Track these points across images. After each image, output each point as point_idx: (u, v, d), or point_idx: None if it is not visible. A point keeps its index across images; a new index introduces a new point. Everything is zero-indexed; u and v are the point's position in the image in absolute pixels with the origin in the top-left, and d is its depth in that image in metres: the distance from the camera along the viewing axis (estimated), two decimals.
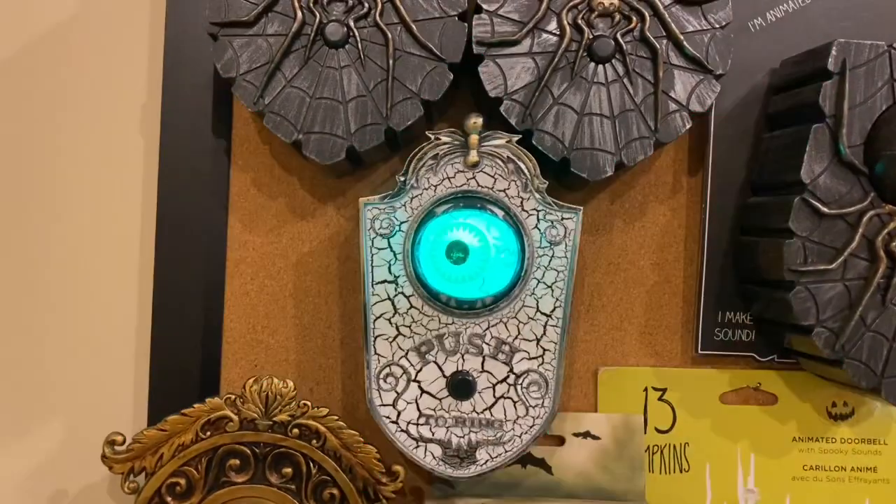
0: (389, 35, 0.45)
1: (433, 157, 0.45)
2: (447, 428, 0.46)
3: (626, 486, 0.51)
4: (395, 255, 0.46)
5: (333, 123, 0.46)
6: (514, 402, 0.46)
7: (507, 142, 0.45)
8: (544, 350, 0.46)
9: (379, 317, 0.46)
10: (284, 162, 0.52)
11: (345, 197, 0.52)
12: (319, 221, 0.52)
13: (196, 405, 0.47)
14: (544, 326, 0.46)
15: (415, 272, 0.45)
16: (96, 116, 0.53)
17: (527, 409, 0.46)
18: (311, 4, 0.45)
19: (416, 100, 0.45)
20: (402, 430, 0.46)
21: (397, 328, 0.46)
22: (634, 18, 0.45)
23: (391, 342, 0.46)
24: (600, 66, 0.45)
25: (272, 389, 0.47)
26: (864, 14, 0.51)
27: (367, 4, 0.45)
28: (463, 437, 0.46)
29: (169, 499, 0.47)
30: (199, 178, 0.51)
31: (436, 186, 0.45)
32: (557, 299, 0.46)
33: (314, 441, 0.47)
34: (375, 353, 0.46)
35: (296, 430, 0.47)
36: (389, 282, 0.46)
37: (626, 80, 0.45)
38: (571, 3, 0.45)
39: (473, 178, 0.45)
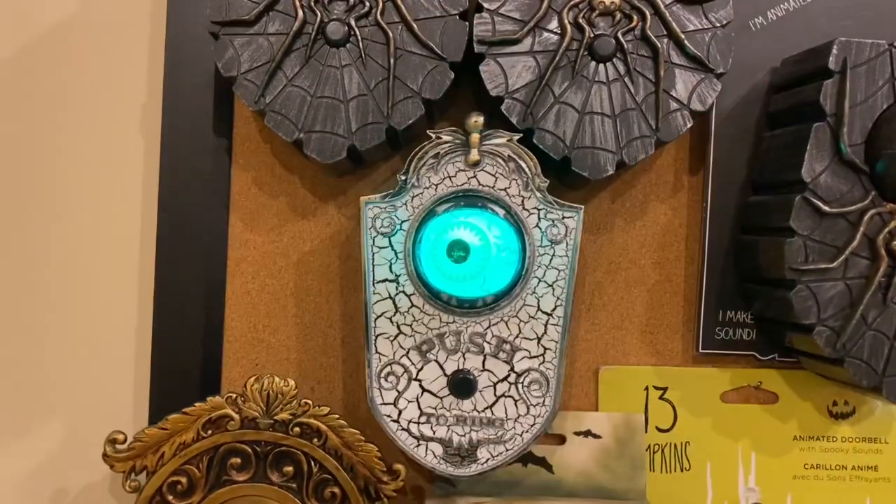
0: (390, 34, 0.45)
1: (434, 156, 0.45)
2: (448, 426, 0.46)
3: (626, 484, 0.51)
4: (396, 253, 0.46)
5: (334, 122, 0.46)
6: (515, 401, 0.46)
7: (508, 140, 0.45)
8: (545, 349, 0.46)
9: (380, 315, 0.46)
10: (285, 161, 0.52)
11: (346, 196, 0.52)
12: (320, 220, 0.52)
13: (197, 404, 0.47)
14: (545, 325, 0.46)
15: (416, 271, 0.45)
16: (97, 116, 0.54)
17: (528, 408, 0.46)
18: (313, 3, 0.45)
19: (418, 99, 0.45)
20: (403, 429, 0.46)
21: (398, 327, 0.46)
22: (635, 17, 0.45)
23: (392, 341, 0.46)
24: (601, 65, 0.45)
25: (273, 388, 0.47)
26: (864, 13, 0.51)
27: (368, 3, 0.45)
28: (464, 435, 0.46)
29: (170, 497, 0.47)
30: (201, 177, 0.51)
31: (437, 185, 0.45)
32: (558, 298, 0.46)
33: (315, 440, 0.47)
34: (376, 352, 0.46)
35: (297, 429, 0.47)
36: (390, 280, 0.46)
37: (627, 79, 0.45)
38: (572, 2, 0.45)
39: (474, 176, 0.45)
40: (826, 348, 0.46)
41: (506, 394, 0.46)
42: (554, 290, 0.46)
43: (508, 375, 0.46)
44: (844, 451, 0.53)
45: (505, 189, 0.45)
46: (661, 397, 0.52)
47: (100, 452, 0.47)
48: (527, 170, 0.45)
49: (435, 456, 0.46)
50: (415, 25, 0.45)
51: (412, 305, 0.46)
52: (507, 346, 0.46)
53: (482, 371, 0.46)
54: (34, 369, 0.53)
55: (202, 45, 0.50)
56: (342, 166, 0.49)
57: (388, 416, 0.46)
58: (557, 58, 0.45)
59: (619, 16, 0.45)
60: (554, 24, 0.45)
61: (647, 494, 0.51)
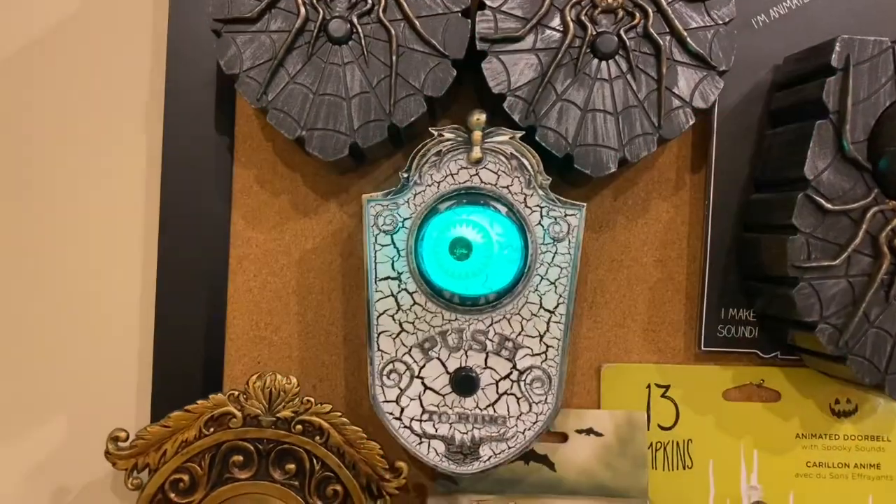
0: (393, 31, 0.45)
1: (436, 154, 0.45)
2: (450, 424, 0.46)
3: (629, 482, 0.51)
4: (398, 251, 0.46)
5: (337, 120, 0.46)
6: (518, 399, 0.46)
7: (510, 138, 0.45)
8: (547, 346, 0.46)
9: (382, 313, 0.46)
10: (287, 158, 0.52)
11: (348, 193, 0.52)
12: (322, 218, 0.52)
13: (199, 401, 0.47)
14: (547, 323, 0.46)
15: (418, 268, 0.45)
16: (99, 114, 0.54)
17: (530, 406, 0.46)
18: (315, 1, 0.45)
19: (420, 96, 0.45)
20: (406, 427, 0.46)
21: (400, 324, 0.46)
22: (638, 15, 0.45)
23: (394, 339, 0.46)
24: (604, 63, 0.45)
25: (275, 386, 0.47)
26: (867, 10, 0.51)
27: (370, 1, 0.45)
28: (466, 433, 0.46)
29: (172, 495, 0.47)
30: (203, 174, 0.51)
31: (439, 183, 0.45)
32: (560, 296, 0.46)
33: (317, 437, 0.47)
34: (379, 350, 0.46)
35: (299, 427, 0.47)
36: (392, 278, 0.46)
37: (629, 77, 0.45)
38: (574, 0, 0.45)
39: (477, 174, 0.45)
40: (828, 346, 0.46)
41: (508, 391, 0.46)
42: (556, 287, 0.46)
43: (511, 373, 0.46)
44: (847, 449, 0.53)
45: (507, 187, 0.45)
46: (663, 395, 0.52)
47: (102, 450, 0.47)
48: (529, 167, 0.45)
49: (437, 453, 0.46)
50: (417, 23, 0.45)
51: (414, 303, 0.46)
52: (510, 344, 0.46)
53: (484, 369, 0.46)
54: (36, 367, 0.54)
55: (204, 42, 0.50)
56: (344, 164, 0.49)
57: (391, 413, 0.46)
58: (560, 55, 0.45)
59: (621, 13, 0.45)
60: (556, 22, 0.45)
61: (650, 492, 0.51)
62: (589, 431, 0.51)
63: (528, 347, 0.46)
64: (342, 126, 0.46)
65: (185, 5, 0.51)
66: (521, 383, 0.46)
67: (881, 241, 0.46)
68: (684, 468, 0.52)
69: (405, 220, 0.45)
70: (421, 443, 0.46)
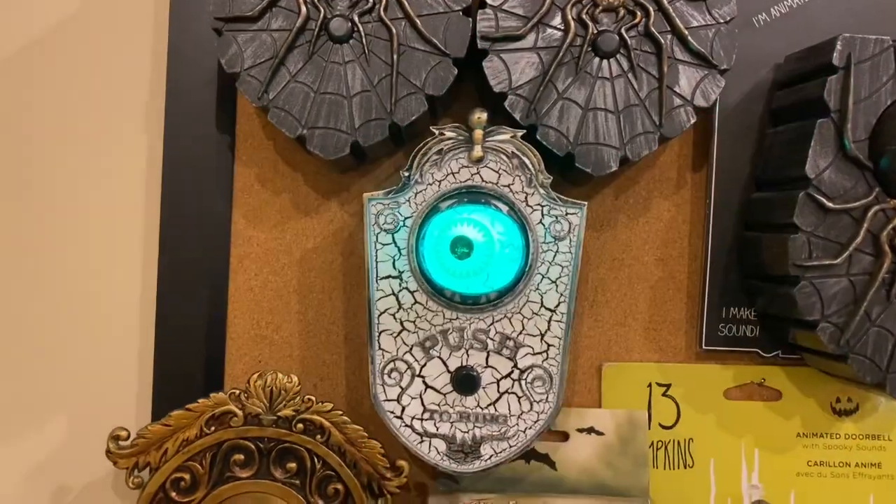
0: (394, 30, 0.45)
1: (437, 153, 0.45)
2: (451, 423, 0.46)
3: (630, 481, 0.51)
4: (399, 250, 0.46)
5: (338, 118, 0.46)
6: (519, 398, 0.46)
7: (511, 137, 0.45)
8: (548, 345, 0.46)
9: (383, 312, 0.46)
10: (288, 157, 0.52)
11: (349, 192, 0.52)
12: (323, 217, 0.52)
13: (200, 400, 0.47)
14: (548, 322, 0.46)
15: (419, 267, 0.45)
16: (100, 113, 0.54)
17: (531, 405, 0.46)
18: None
19: (421, 95, 0.45)
20: (407, 425, 0.46)
21: (401, 323, 0.46)
22: (639, 13, 0.45)
23: (395, 337, 0.46)
24: (605, 61, 0.45)
25: (276, 385, 0.47)
26: (868, 9, 0.51)
27: None
28: (467, 432, 0.46)
29: (173, 494, 0.47)
30: (203, 173, 0.51)
31: (440, 182, 0.45)
32: (562, 294, 0.46)
33: (318, 436, 0.47)
34: (380, 349, 0.46)
35: (300, 426, 0.47)
36: (394, 277, 0.46)
37: (630, 75, 0.45)
38: None
39: (478, 173, 0.45)
40: (830, 345, 0.46)
41: (509, 390, 0.46)
42: (557, 286, 0.46)
43: (512, 372, 0.46)
44: (848, 448, 0.53)
45: (508, 185, 0.45)
46: (664, 394, 0.52)
47: (103, 449, 0.47)
48: (530, 166, 0.45)
49: (438, 452, 0.46)
50: (418, 21, 0.45)
51: (415, 302, 0.46)
52: (511, 343, 0.46)
53: (485, 367, 0.46)
54: (37, 366, 0.54)
55: (205, 41, 0.50)
56: (345, 163, 0.49)
57: (392, 412, 0.46)
58: (561, 54, 0.45)
59: (622, 12, 0.45)
60: (557, 21, 0.45)
61: (651, 491, 0.51)
62: (590, 430, 0.51)
63: (530, 346, 0.46)
64: (343, 125, 0.46)
65: (186, 4, 0.51)
66: (523, 382, 0.46)
67: (882, 240, 0.46)
68: (685, 467, 0.52)
69: (406, 218, 0.45)
70: (422, 442, 0.46)
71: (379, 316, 0.46)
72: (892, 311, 0.46)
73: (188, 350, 0.51)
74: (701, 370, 0.52)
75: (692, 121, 0.46)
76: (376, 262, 0.46)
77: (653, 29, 0.45)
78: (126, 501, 0.53)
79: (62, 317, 0.53)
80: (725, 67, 0.45)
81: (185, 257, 0.51)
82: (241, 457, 0.48)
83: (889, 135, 0.45)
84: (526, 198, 0.45)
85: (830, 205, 0.46)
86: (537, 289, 0.46)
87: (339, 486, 0.48)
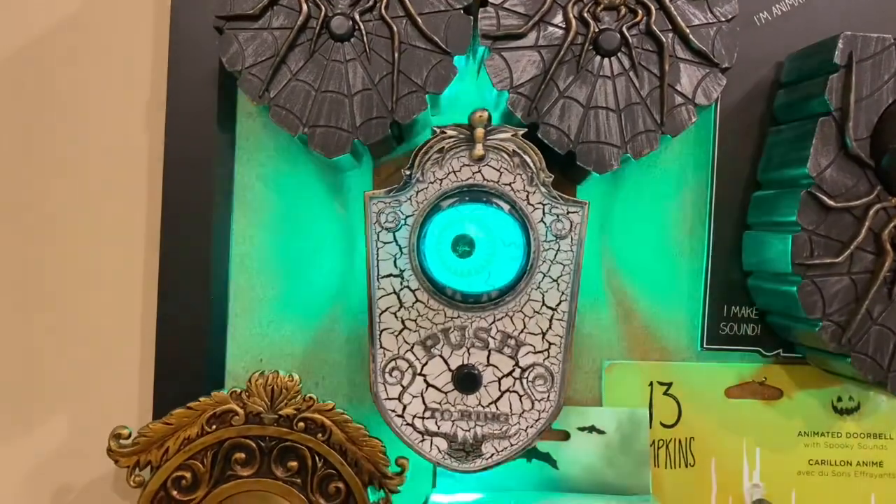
0: (395, 28, 0.45)
1: (439, 151, 0.45)
2: (453, 422, 0.46)
3: (631, 480, 0.51)
4: (400, 248, 0.46)
5: (339, 117, 0.46)
6: (520, 396, 0.46)
7: (512, 135, 0.45)
8: (550, 344, 0.46)
9: (384, 311, 0.46)
10: (289, 156, 0.52)
11: (350, 191, 0.52)
12: (324, 215, 0.52)
13: (202, 399, 0.47)
14: (550, 320, 0.46)
15: (420, 266, 0.45)
16: (101, 111, 0.53)
17: (532, 403, 0.46)
18: None
19: (422, 93, 0.45)
20: (408, 424, 0.46)
21: (403, 322, 0.46)
22: (640, 12, 0.45)
23: (397, 336, 0.46)
24: (606, 60, 0.45)
25: (277, 383, 0.47)
26: (869, 8, 0.51)
27: None
28: (468, 430, 0.46)
29: (174, 492, 0.47)
30: (204, 172, 0.51)
31: (441, 180, 0.45)
32: (563, 293, 0.46)
33: (320, 435, 0.47)
34: (381, 347, 0.46)
35: (301, 424, 0.47)
36: (395, 276, 0.46)
37: (631, 74, 0.45)
38: None
39: (479, 171, 0.45)
40: (831, 343, 0.46)
41: (510, 389, 0.46)
42: (558, 285, 0.46)
43: (513, 370, 0.46)
44: (849, 446, 0.52)
45: (510, 184, 0.45)
46: (665, 393, 0.52)
47: (104, 448, 0.47)
48: (531, 164, 0.45)
49: (439, 451, 0.46)
50: (419, 20, 0.45)
51: (417, 300, 0.46)
52: (512, 342, 0.46)
53: (487, 366, 0.46)
54: (38, 364, 0.53)
55: (206, 40, 0.50)
56: (346, 161, 0.48)
57: (393, 411, 0.46)
58: (562, 52, 0.45)
59: (623, 10, 0.45)
60: (559, 19, 0.45)
61: (652, 490, 0.51)
62: (591, 429, 0.51)
63: (531, 345, 0.46)
64: (344, 123, 0.46)
65: (187, 2, 0.51)
66: (524, 381, 0.46)
67: (884, 239, 0.46)
68: (686, 466, 0.52)
69: (408, 217, 0.45)
70: (423, 440, 0.46)
71: (380, 314, 0.46)
72: (894, 310, 0.46)
73: (189, 348, 0.51)
74: (702, 369, 0.52)
75: (694, 119, 0.46)
76: (377, 261, 0.46)
77: (654, 27, 0.45)
78: (127, 500, 0.53)
79: (63, 316, 0.53)
80: (727, 66, 0.45)
81: (186, 256, 0.51)
82: (243, 455, 0.48)
83: (891, 133, 0.45)
84: (527, 196, 0.45)
85: (832, 203, 0.46)
86: (538, 287, 0.46)
87: (341, 485, 0.48)
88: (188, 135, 0.51)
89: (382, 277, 0.46)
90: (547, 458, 0.51)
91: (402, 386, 0.46)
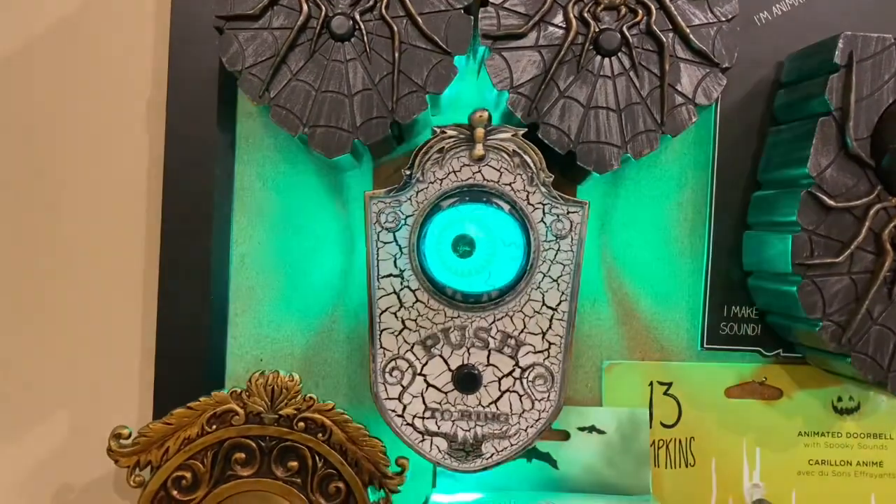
0: (395, 28, 0.45)
1: (439, 151, 0.45)
2: (453, 421, 0.46)
3: (631, 480, 0.51)
4: (400, 248, 0.46)
5: (339, 117, 0.46)
6: (520, 396, 0.46)
7: (512, 135, 0.45)
8: (550, 344, 0.46)
9: (384, 311, 0.46)
10: (289, 156, 0.52)
11: (350, 191, 0.52)
12: (324, 215, 0.52)
13: (202, 399, 0.47)
14: (550, 320, 0.46)
15: (420, 266, 0.45)
16: (101, 111, 0.53)
17: (532, 403, 0.46)
18: None
19: (422, 93, 0.45)
20: (408, 424, 0.46)
21: (403, 322, 0.46)
22: (640, 11, 0.45)
23: (397, 336, 0.46)
24: (606, 60, 0.45)
25: (278, 383, 0.47)
26: (869, 7, 0.51)
27: None
28: (469, 430, 0.46)
29: (175, 492, 0.47)
30: (205, 172, 0.51)
31: (441, 180, 0.45)
32: (563, 293, 0.46)
33: (320, 435, 0.47)
34: (381, 347, 0.46)
35: (301, 424, 0.47)
36: (395, 276, 0.46)
37: (632, 74, 0.45)
38: None
39: (479, 171, 0.45)
40: (831, 343, 0.46)
41: (510, 389, 0.46)
42: (559, 285, 0.46)
43: (513, 370, 0.46)
44: (849, 446, 0.53)
45: (510, 184, 0.45)
46: (665, 393, 0.52)
47: (104, 447, 0.47)
48: (532, 164, 0.45)
49: (440, 451, 0.46)
50: (419, 19, 0.45)
51: (417, 300, 0.46)
52: (512, 341, 0.46)
53: (487, 366, 0.46)
54: (38, 364, 0.53)
55: (206, 39, 0.50)
56: (346, 161, 0.48)
57: (393, 410, 0.46)
58: (562, 52, 0.45)
59: (624, 10, 0.45)
60: (559, 19, 0.45)
61: (652, 490, 0.51)
62: (591, 429, 0.51)
63: (531, 345, 0.46)
64: (344, 123, 0.46)
65: (187, 2, 0.51)
66: (524, 381, 0.46)
67: (884, 239, 0.46)
68: (687, 466, 0.52)
69: (408, 217, 0.45)
70: (423, 440, 0.46)
71: (380, 314, 0.46)
72: (894, 310, 0.46)
73: (190, 348, 0.51)
74: (702, 369, 0.52)
75: (694, 119, 0.46)
76: (377, 261, 0.46)
77: (654, 27, 0.45)
78: (127, 500, 0.53)
79: (63, 315, 0.53)
80: (727, 66, 0.45)
81: (186, 256, 0.51)
82: (243, 455, 0.48)
83: (891, 133, 0.45)
84: (527, 196, 0.45)
85: (832, 203, 0.46)
86: (539, 287, 0.46)
87: (341, 485, 0.48)
88: (188, 135, 0.51)
89: (382, 277, 0.46)
90: (547, 458, 0.51)
91: (402, 386, 0.46)
